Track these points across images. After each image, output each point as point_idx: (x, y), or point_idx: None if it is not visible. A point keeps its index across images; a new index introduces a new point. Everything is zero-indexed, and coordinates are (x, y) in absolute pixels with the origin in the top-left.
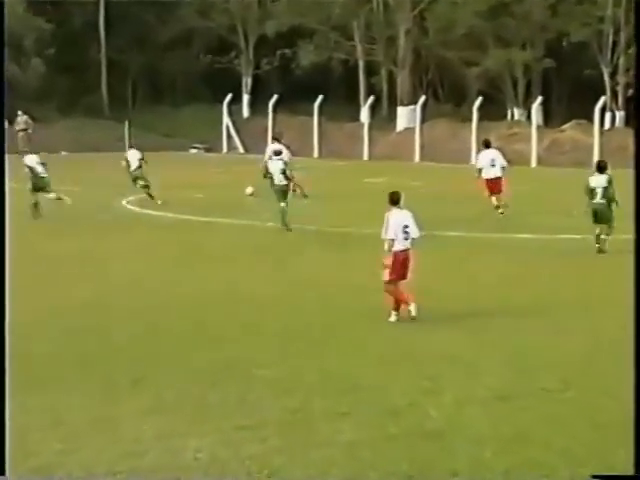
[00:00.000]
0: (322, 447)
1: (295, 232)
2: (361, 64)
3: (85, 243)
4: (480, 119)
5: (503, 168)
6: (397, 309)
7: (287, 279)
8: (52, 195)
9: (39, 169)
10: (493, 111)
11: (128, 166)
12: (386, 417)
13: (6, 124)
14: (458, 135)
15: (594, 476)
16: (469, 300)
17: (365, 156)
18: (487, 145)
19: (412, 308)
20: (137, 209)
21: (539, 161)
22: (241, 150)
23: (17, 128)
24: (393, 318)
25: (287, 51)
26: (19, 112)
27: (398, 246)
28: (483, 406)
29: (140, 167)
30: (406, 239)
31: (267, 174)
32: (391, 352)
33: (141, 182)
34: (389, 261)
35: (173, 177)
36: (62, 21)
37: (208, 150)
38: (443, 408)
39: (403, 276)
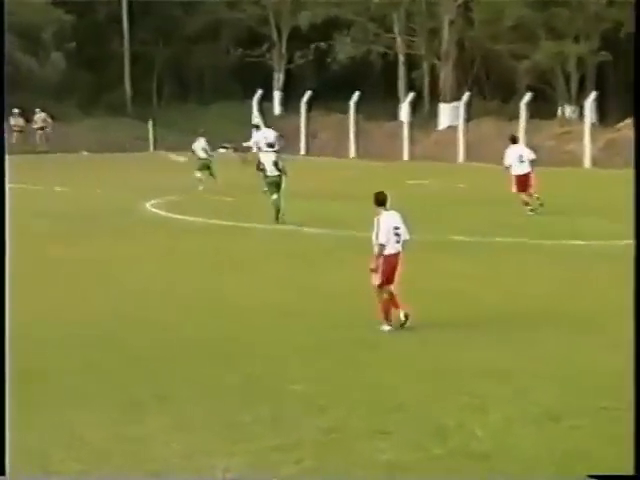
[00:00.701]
0: (361, 468)
1: (331, 238)
2: (401, 58)
3: (106, 248)
4: (529, 117)
5: (531, 162)
6: (388, 318)
7: (320, 288)
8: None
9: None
10: (543, 108)
11: (194, 153)
12: (429, 437)
13: (22, 122)
14: (505, 134)
15: (591, 476)
16: (516, 311)
17: (405, 156)
18: (514, 141)
19: (402, 314)
20: (163, 213)
21: (593, 162)
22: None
23: (35, 126)
24: (386, 328)
25: (322, 44)
26: (37, 109)
27: (390, 250)
28: (534, 425)
29: (208, 157)
30: (398, 242)
31: (260, 166)
32: (433, 367)
33: (206, 171)
34: (380, 266)
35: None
36: (83, 12)
37: (237, 150)
38: (491, 427)
39: (392, 280)
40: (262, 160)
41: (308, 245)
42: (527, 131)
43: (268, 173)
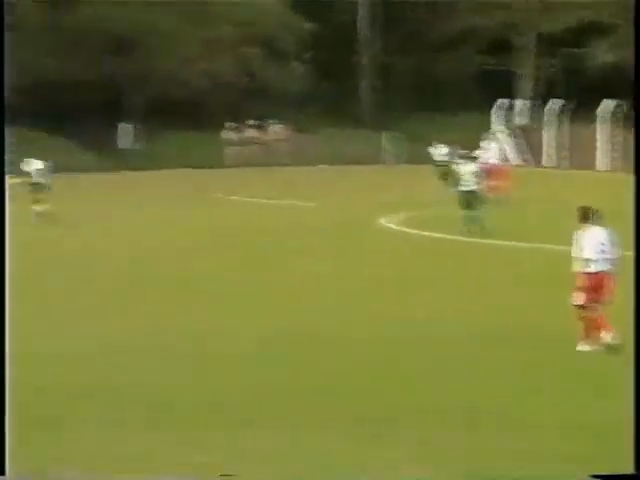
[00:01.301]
0: None
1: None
2: None
3: (334, 264)
4: None
5: None
6: (588, 336)
7: (535, 308)
8: None
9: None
10: None
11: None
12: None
13: (256, 133)
14: None
15: (594, 476)
16: None
17: None
18: None
19: (609, 337)
20: (400, 228)
21: None
22: (516, 162)
23: (270, 138)
24: (583, 347)
25: (576, 50)
26: (271, 121)
27: (592, 267)
28: None
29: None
30: (602, 259)
31: (456, 178)
32: (618, 385)
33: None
34: (581, 283)
35: (444, 192)
36: (324, 20)
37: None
38: None
39: (598, 300)
40: (461, 172)
41: (538, 263)
42: None
43: (463, 186)
